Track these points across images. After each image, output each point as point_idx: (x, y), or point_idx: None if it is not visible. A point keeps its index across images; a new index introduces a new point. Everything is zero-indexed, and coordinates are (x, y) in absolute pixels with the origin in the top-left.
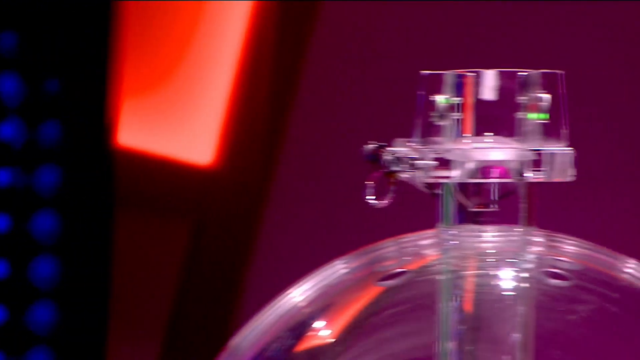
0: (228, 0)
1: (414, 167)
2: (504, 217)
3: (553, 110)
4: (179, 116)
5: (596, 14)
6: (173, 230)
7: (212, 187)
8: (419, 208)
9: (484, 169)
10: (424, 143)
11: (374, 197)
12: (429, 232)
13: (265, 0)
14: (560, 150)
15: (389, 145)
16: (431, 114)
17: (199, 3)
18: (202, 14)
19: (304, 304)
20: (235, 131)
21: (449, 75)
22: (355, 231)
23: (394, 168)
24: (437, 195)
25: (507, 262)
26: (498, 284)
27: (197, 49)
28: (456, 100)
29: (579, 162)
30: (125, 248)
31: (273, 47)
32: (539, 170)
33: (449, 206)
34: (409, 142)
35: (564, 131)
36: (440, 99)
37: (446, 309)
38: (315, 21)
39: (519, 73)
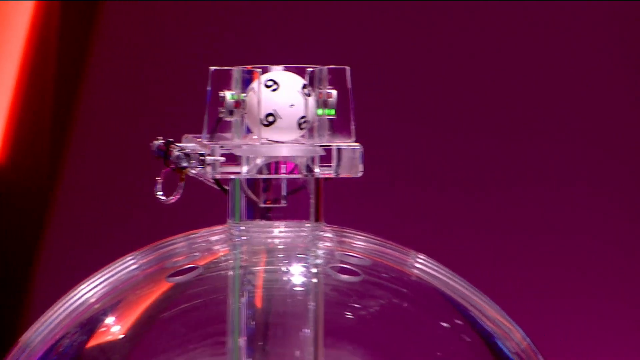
0: (11, 0)
1: (203, 162)
2: (293, 212)
3: (341, 106)
4: None
5: (381, 9)
6: None
7: None
8: (210, 204)
9: (273, 164)
10: (213, 139)
11: (163, 193)
12: (219, 227)
13: (48, 0)
14: (349, 146)
15: (178, 141)
16: (220, 110)
17: None
18: None
19: (94, 299)
20: (20, 129)
21: (237, 70)
22: (146, 227)
23: (183, 164)
24: (227, 191)
25: (297, 258)
26: (288, 280)
27: None
28: (244, 95)
29: (368, 158)
30: None
31: (57, 45)
32: (327, 166)
33: (239, 202)
34: (198, 137)
35: (352, 127)
36: (228, 95)
37: (236, 305)
38: (99, 18)
39: (307, 68)
